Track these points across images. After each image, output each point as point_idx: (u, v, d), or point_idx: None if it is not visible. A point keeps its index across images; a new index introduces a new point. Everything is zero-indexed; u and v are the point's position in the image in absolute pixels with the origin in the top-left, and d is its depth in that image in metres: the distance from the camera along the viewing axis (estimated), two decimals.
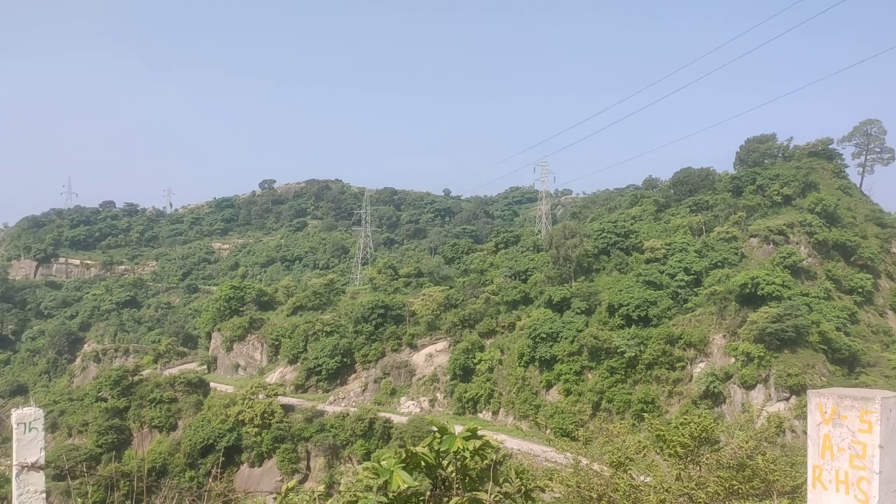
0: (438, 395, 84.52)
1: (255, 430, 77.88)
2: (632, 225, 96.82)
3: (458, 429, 6.42)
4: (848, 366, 68.19)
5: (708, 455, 8.30)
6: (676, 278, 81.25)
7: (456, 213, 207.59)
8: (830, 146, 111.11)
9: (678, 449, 8.26)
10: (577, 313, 79.73)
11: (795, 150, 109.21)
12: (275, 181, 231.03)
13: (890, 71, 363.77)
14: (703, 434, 8.55)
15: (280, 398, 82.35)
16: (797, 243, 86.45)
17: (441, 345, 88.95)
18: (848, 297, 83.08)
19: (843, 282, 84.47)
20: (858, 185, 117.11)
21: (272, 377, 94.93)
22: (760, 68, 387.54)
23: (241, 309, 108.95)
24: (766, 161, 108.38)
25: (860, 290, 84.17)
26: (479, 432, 9.72)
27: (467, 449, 8.94)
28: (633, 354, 71.54)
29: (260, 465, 78.03)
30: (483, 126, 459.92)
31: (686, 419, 9.47)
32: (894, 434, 2.71)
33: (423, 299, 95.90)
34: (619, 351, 71.98)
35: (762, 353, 65.82)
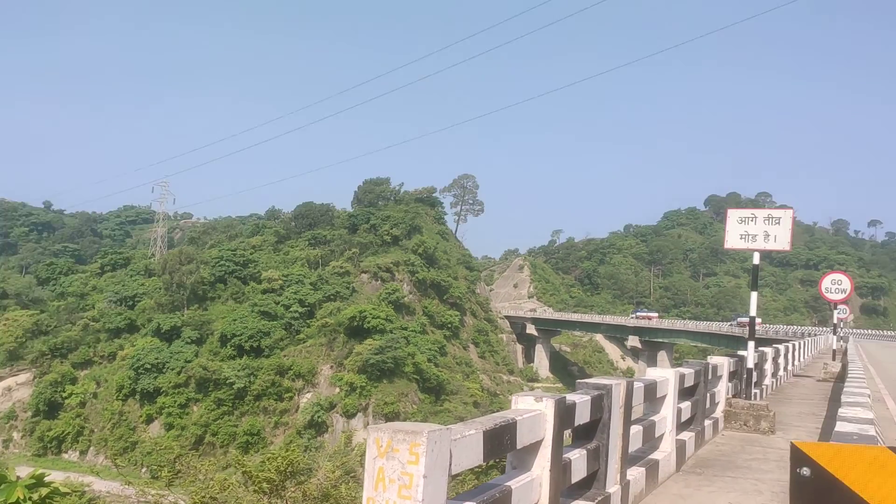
0: (15, 434, 73.81)
1: None
2: (251, 254, 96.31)
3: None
4: (435, 394, 75.67)
5: (293, 489, 8.44)
6: (291, 309, 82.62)
7: (58, 228, 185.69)
8: (434, 194, 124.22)
9: (264, 485, 8.27)
10: (187, 343, 76.39)
11: (405, 195, 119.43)
12: None
13: (482, 131, 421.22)
14: (290, 468, 8.66)
15: None
16: (401, 281, 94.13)
17: (23, 377, 78.12)
18: (440, 331, 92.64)
19: (437, 317, 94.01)
20: (454, 232, 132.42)
21: None
22: (384, 113, 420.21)
23: None
24: (380, 202, 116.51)
25: (450, 325, 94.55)
26: (50, 478, 8.58)
27: (30, 499, 7.81)
28: (243, 385, 70.74)
29: None
30: (97, 134, 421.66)
31: (273, 453, 9.54)
32: (437, 464, 2.95)
33: (4, 325, 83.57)
34: (227, 382, 70.54)
35: (364, 383, 69.88)
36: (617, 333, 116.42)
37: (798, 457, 2.15)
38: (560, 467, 4.56)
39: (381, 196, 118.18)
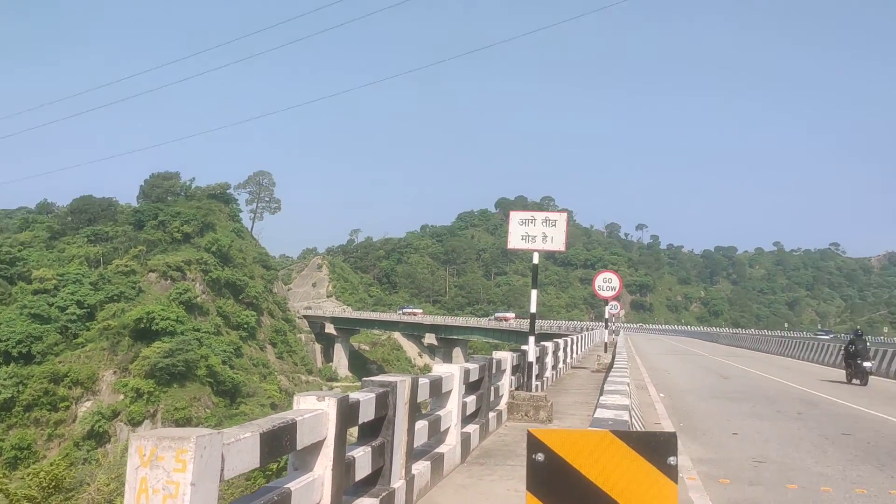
0: None
1: None
2: (19, 252, 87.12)
3: None
4: (230, 397, 73.06)
5: None
6: (68, 311, 75.94)
7: None
8: (228, 191, 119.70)
9: (24, 503, 7.55)
10: None
11: (197, 191, 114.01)
12: None
13: (276, 128, 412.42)
14: (55, 483, 7.99)
15: None
16: (193, 280, 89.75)
17: None
18: (235, 332, 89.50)
19: (232, 318, 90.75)
20: (250, 230, 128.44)
21: None
22: (172, 105, 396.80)
23: None
24: (169, 198, 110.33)
25: (246, 325, 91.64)
26: None
27: None
28: (10, 395, 64.01)
29: None
30: None
31: (36, 469, 8.76)
32: (207, 471, 2.86)
33: None
34: None
35: (152, 389, 65.88)
36: (414, 331, 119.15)
37: (533, 443, 2.34)
38: (343, 466, 4.59)
39: (171, 191, 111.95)
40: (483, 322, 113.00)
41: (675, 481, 2.32)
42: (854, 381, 22.72)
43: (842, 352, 26.00)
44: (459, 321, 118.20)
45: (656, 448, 2.32)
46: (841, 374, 24.57)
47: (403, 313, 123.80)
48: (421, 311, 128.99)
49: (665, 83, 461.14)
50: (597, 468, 2.28)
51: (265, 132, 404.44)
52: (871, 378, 23.15)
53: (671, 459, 2.30)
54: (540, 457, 2.30)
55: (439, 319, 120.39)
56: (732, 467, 8.77)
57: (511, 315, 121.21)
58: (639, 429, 8.99)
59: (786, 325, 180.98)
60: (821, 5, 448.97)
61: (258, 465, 3.50)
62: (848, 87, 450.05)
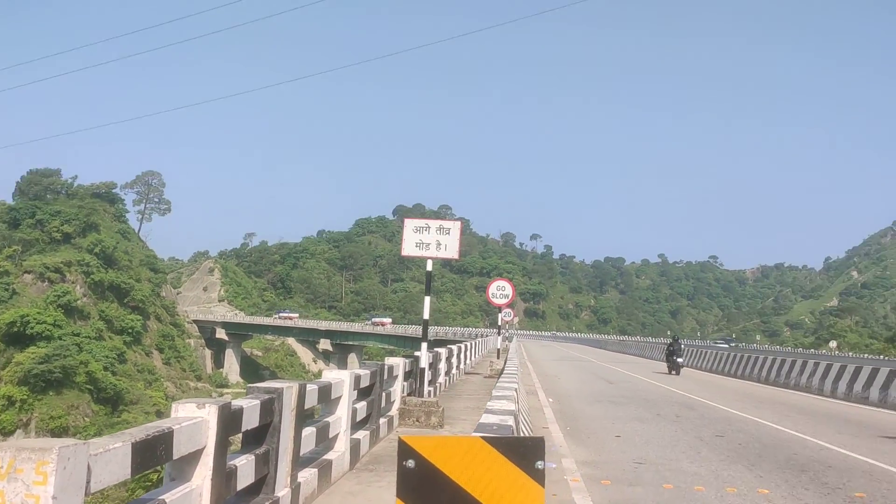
0: None
1: None
2: None
3: None
4: (112, 404, 69.69)
5: None
6: None
7: None
8: (114, 190, 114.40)
9: None
10: None
11: (79, 189, 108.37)
12: None
13: (167, 128, 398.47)
14: None
15: None
16: (74, 282, 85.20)
17: None
18: (119, 336, 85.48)
19: (116, 322, 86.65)
20: (137, 231, 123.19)
21: None
22: (53, 99, 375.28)
23: None
24: (48, 196, 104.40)
25: (131, 330, 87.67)
26: None
27: None
28: None
29: None
30: None
31: None
32: (70, 483, 2.72)
33: None
34: None
35: (25, 396, 62.04)
36: (309, 337, 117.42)
37: (404, 450, 2.36)
38: (224, 475, 4.46)
39: (50, 189, 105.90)
40: (371, 327, 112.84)
41: (543, 485, 2.39)
42: (672, 371, 30.97)
43: (665, 351, 35.11)
44: (355, 327, 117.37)
45: (524, 453, 2.39)
46: (723, 378, 26.30)
47: (279, 317, 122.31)
48: (297, 314, 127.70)
49: (562, 95, 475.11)
50: (467, 473, 2.32)
51: (156, 131, 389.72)
52: (685, 370, 32.77)
53: (539, 463, 2.37)
54: (410, 463, 2.32)
55: (334, 325, 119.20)
56: (614, 469, 9.08)
57: (388, 320, 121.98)
58: (526, 433, 9.19)
59: (668, 332, 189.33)
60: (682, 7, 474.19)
61: (129, 476, 3.35)
62: (729, 107, 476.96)
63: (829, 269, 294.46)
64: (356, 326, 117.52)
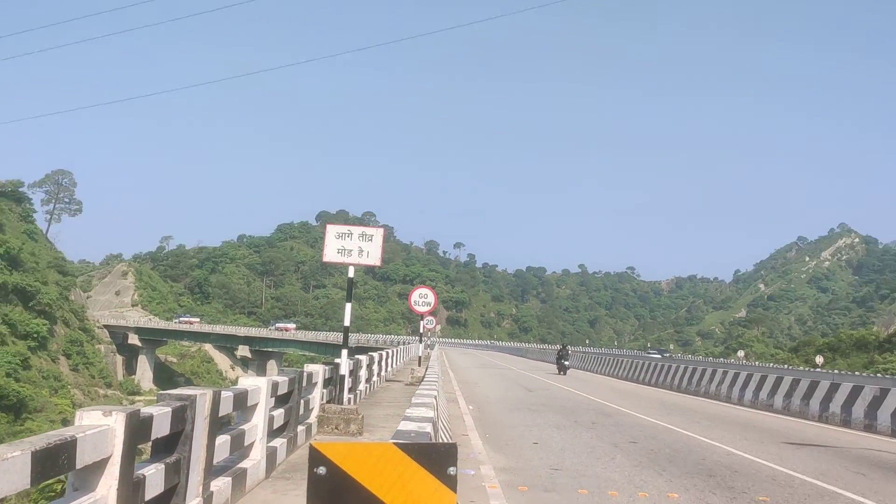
0: None
1: None
2: None
3: None
4: (15, 412, 66.32)
5: None
6: None
7: None
8: (21, 189, 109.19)
9: None
10: None
11: None
12: None
13: (80, 125, 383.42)
14: None
15: None
16: None
17: None
18: (23, 341, 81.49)
19: (20, 326, 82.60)
20: (45, 232, 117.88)
21: None
22: None
23: None
24: None
25: (36, 335, 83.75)
26: None
27: None
28: None
29: None
30: None
31: None
32: None
33: None
34: None
35: None
36: (227, 343, 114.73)
37: (315, 456, 2.34)
38: (131, 485, 4.30)
39: None
40: (299, 335, 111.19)
41: (455, 490, 2.40)
42: (561, 372, 38.47)
43: (556, 355, 41.66)
44: (274, 333, 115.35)
45: (437, 459, 2.39)
46: (637, 386, 27.17)
47: (179, 321, 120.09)
48: (198, 319, 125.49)
49: (485, 104, 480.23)
50: (379, 480, 2.30)
51: (67, 129, 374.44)
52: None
53: (451, 469, 2.37)
54: (322, 470, 2.29)
55: (253, 331, 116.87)
56: (531, 475, 9.20)
57: (291, 326, 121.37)
58: (446, 440, 9.22)
59: (587, 341, 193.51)
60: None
61: (29, 486, 3.20)
62: (649, 123, 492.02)
63: (738, 282, 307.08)
64: (275, 333, 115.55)
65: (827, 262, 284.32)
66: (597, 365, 45.27)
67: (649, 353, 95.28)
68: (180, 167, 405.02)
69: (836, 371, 64.33)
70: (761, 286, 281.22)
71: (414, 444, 2.45)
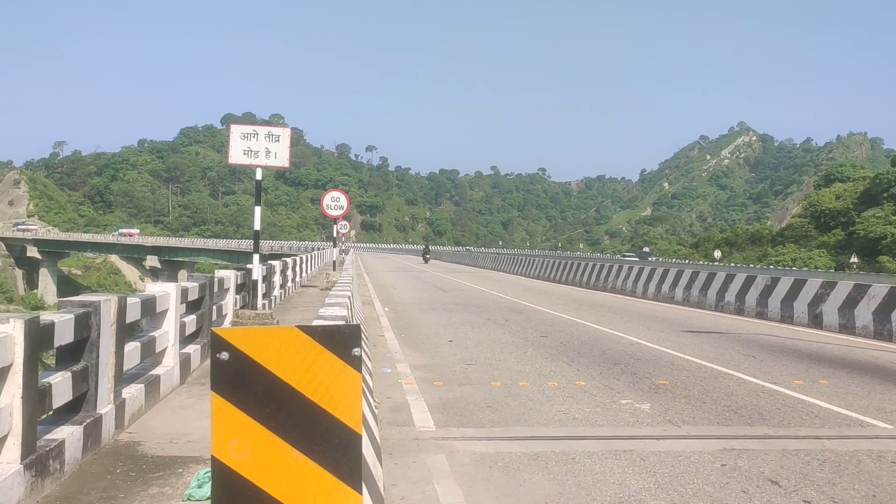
0: None
1: None
2: None
3: None
4: None
5: None
6: None
7: None
8: None
9: None
10: None
11: None
12: None
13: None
14: None
15: None
16: None
17: None
18: None
19: None
20: None
21: None
22: None
23: None
24: None
25: None
26: None
27: None
28: None
29: None
30: None
31: None
32: None
33: None
34: None
35: None
36: (134, 254, 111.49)
37: (217, 342, 2.34)
38: (36, 393, 4.18)
39: None
40: (210, 243, 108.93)
41: (360, 371, 2.45)
42: (425, 262, 41.85)
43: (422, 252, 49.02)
44: (185, 242, 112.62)
45: (341, 340, 2.42)
46: (549, 284, 27.97)
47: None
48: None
49: (395, 3, 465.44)
50: (283, 363, 2.34)
51: None
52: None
53: (355, 350, 2.43)
54: (224, 355, 2.30)
55: (161, 240, 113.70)
56: (446, 371, 9.46)
57: (135, 231, 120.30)
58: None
59: (500, 242, 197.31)
60: None
61: None
62: (559, 20, 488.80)
63: (643, 181, 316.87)
64: (186, 242, 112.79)
65: (726, 161, 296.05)
66: (510, 265, 46.36)
67: (626, 257, 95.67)
68: (71, 66, 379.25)
69: (732, 264, 68.14)
70: (665, 185, 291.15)
71: (316, 326, 2.48)
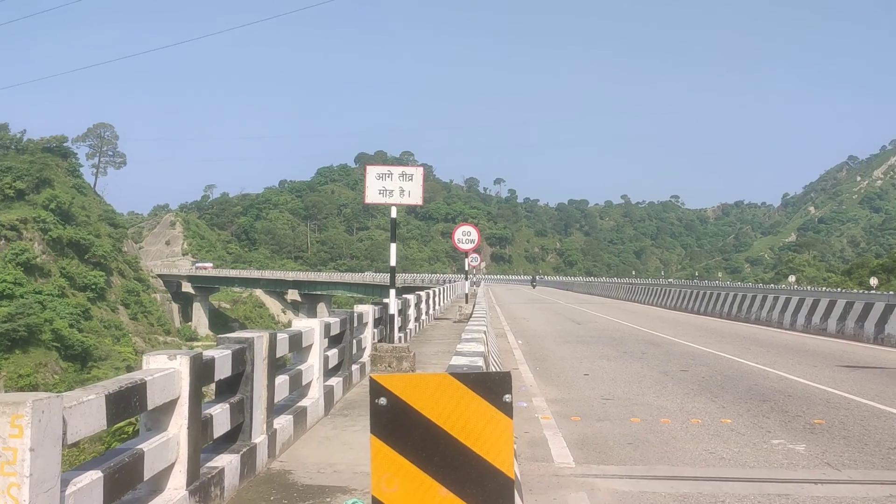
0: None
1: None
2: None
3: None
4: (81, 361, 69.21)
5: None
6: None
7: None
8: (66, 144, 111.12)
9: None
10: None
11: (29, 144, 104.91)
12: None
13: (121, 78, 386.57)
14: None
15: None
16: (31, 240, 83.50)
17: None
18: (82, 293, 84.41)
19: (78, 279, 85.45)
20: (93, 186, 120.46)
21: None
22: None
23: None
24: None
25: (94, 286, 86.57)
26: None
27: None
28: None
29: None
30: None
31: None
32: (47, 435, 2.71)
33: None
34: None
35: None
36: (277, 288, 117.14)
37: (376, 388, 2.45)
38: (199, 424, 4.49)
39: (0, 145, 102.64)
40: (347, 277, 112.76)
41: (511, 416, 2.52)
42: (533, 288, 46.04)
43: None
44: (323, 276, 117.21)
45: (492, 387, 2.50)
46: (686, 315, 27.32)
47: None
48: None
49: (523, 38, 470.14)
50: (437, 408, 2.44)
51: (105, 82, 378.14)
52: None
53: (506, 397, 2.50)
54: (382, 401, 2.42)
55: (301, 275, 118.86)
56: (583, 405, 9.30)
57: (209, 265, 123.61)
58: None
59: (633, 272, 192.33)
60: None
61: (105, 427, 3.36)
62: (691, 48, 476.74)
63: (786, 206, 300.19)
64: (323, 276, 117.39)
65: (879, 181, 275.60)
66: (643, 295, 45.09)
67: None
68: (219, 116, 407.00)
69: (891, 293, 63.07)
70: (811, 209, 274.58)
71: (469, 373, 2.56)
